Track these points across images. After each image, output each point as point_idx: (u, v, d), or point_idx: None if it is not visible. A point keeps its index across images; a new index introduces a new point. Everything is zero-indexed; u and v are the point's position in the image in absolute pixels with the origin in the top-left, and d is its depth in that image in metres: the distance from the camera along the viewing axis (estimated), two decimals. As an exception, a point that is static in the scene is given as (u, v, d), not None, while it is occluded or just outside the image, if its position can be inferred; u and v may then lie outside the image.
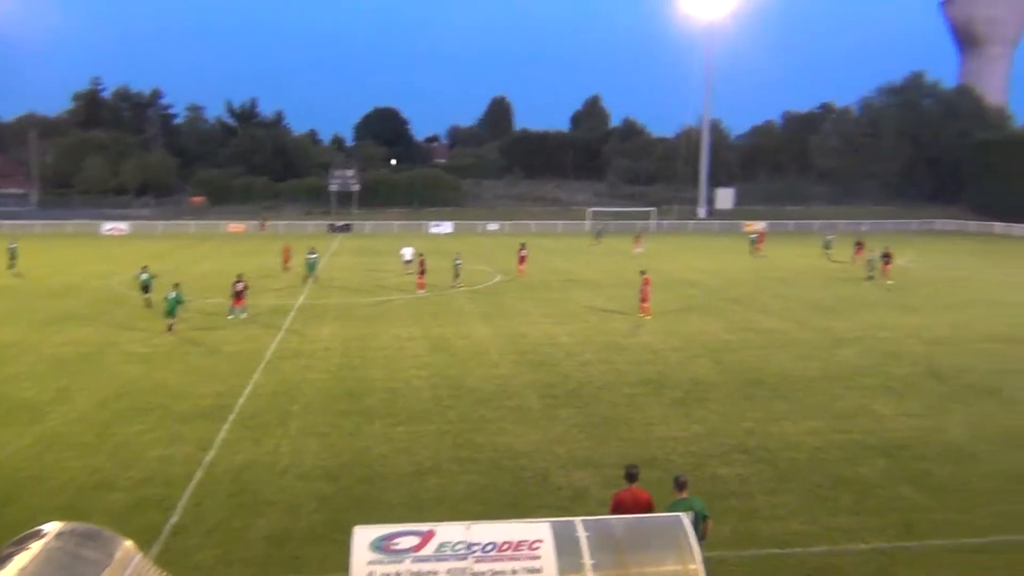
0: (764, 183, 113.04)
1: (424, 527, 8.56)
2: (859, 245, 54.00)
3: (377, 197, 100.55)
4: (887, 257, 44.26)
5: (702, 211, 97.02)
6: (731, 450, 16.99)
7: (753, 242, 60.09)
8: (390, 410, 19.75)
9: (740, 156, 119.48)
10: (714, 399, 20.78)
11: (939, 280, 44.95)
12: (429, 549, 8.29)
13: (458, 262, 42.47)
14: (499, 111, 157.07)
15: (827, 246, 56.54)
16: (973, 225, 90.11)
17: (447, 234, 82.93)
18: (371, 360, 25.07)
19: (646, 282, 32.72)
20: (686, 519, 9.12)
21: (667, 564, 8.55)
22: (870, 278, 43.83)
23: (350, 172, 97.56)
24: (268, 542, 12.86)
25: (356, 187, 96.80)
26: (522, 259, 46.96)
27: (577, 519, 8.90)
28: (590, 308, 34.98)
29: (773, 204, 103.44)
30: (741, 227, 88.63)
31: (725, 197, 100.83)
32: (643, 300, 32.53)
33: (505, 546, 8.33)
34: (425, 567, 8.17)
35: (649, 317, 32.03)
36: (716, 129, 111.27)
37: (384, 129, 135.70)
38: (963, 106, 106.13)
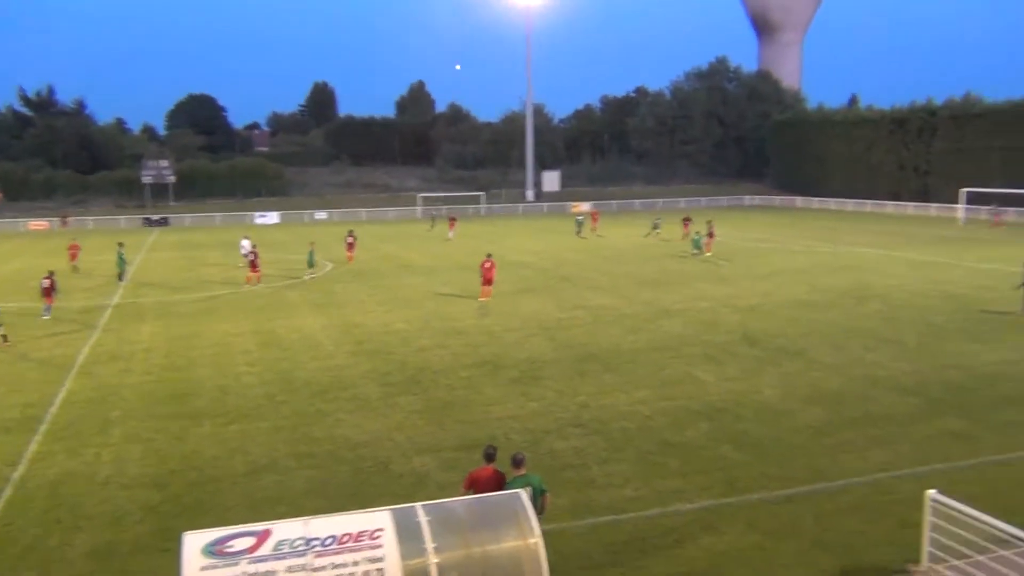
0: (587, 165, 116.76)
1: (260, 527, 8.30)
2: (686, 221, 57.13)
3: (196, 188, 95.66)
4: (710, 233, 47.22)
5: (530, 194, 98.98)
6: (566, 424, 17.53)
7: (579, 223, 61.73)
8: (220, 410, 18.95)
9: (564, 139, 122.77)
10: (549, 376, 21.33)
11: (750, 252, 48.13)
12: (266, 549, 8.05)
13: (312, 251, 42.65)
14: (322, 97, 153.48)
15: (656, 227, 58.82)
16: (777, 200, 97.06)
17: (273, 224, 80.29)
18: (197, 359, 23.93)
19: (491, 265, 33.06)
20: (524, 495, 9.33)
21: (508, 540, 8.74)
22: (696, 253, 46.36)
23: (164, 163, 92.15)
24: (91, 558, 12.05)
25: (172, 178, 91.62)
26: (350, 246, 46.26)
27: (418, 504, 8.91)
28: (425, 294, 34.96)
29: (597, 185, 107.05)
30: (568, 208, 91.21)
31: (551, 180, 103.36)
32: (485, 283, 32.86)
33: (345, 538, 8.23)
34: (263, 567, 7.94)
35: (486, 299, 32.45)
36: (540, 113, 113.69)
37: (200, 117, 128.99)
38: (763, 89, 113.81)
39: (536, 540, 8.69)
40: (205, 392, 20.45)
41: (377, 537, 8.30)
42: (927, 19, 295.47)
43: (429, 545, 8.32)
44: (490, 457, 11.02)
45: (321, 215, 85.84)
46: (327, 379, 21.46)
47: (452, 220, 63.46)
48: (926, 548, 11.11)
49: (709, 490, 14.07)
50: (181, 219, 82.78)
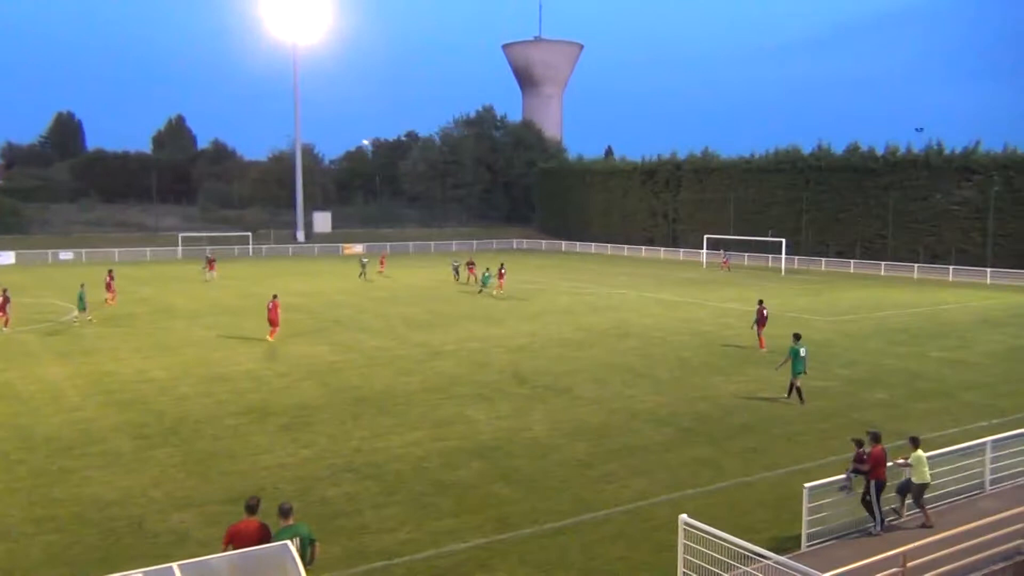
0: (360, 206, 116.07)
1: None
2: (471, 265, 57.59)
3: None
4: (501, 273, 49.44)
5: (300, 235, 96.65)
6: (339, 470, 17.08)
7: (363, 265, 60.21)
8: (-62, 475, 16.64)
9: (335, 180, 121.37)
10: (321, 421, 20.74)
11: (519, 293, 49.80)
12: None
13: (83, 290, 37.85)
14: (66, 128, 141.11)
15: (456, 271, 57.92)
16: (544, 243, 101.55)
17: (8, 265, 72.45)
18: (-91, 418, 20.92)
19: (275, 306, 32.53)
20: (291, 546, 8.98)
21: (276, 595, 8.32)
22: (481, 290, 47.52)
23: None
24: None
25: None
26: (108, 286, 42.84)
27: (175, 564, 8.27)
28: (186, 339, 32.90)
29: (369, 227, 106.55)
30: (340, 250, 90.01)
31: (322, 220, 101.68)
32: (272, 324, 32.39)
33: (91, 609, 7.45)
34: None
35: (273, 340, 31.95)
36: (309, 153, 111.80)
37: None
38: (527, 138, 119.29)
39: (306, 593, 8.33)
40: (-81, 455, 17.90)
41: (128, 605, 7.58)
42: (672, 78, 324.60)
43: (188, 609, 7.72)
44: (251, 509, 10.50)
45: (66, 255, 78.64)
46: (72, 434, 19.51)
47: (211, 261, 60.38)
48: (681, 570, 11.87)
49: (482, 528, 14.23)
50: None
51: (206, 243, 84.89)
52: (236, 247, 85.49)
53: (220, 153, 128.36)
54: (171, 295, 48.48)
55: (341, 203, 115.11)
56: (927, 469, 14.32)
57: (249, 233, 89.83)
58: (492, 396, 23.51)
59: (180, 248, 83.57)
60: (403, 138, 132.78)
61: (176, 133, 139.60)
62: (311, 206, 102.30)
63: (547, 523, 14.48)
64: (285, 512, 10.58)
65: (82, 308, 37.45)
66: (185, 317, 39.13)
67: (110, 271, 45.42)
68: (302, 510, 13.89)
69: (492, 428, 20.27)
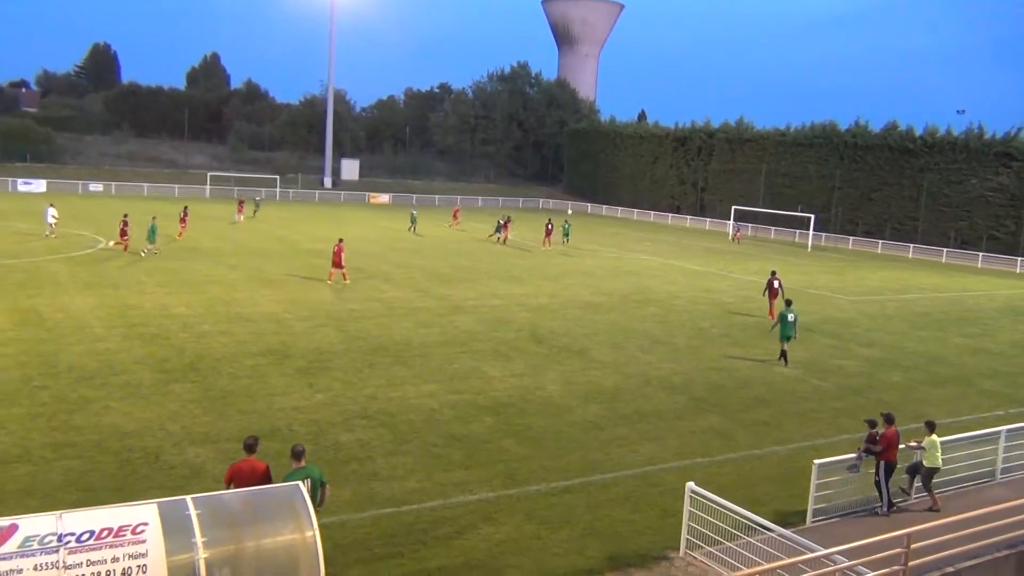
0: (389, 156, 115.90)
1: (4, 521, 7.54)
2: (506, 222, 55.73)
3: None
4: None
5: (327, 181, 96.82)
6: (353, 416, 17.31)
7: (414, 219, 59.04)
8: (-37, 395, 17.04)
9: (365, 128, 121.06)
10: (338, 367, 20.96)
11: (541, 253, 49.72)
12: (11, 546, 7.32)
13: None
14: (102, 60, 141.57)
15: (497, 228, 55.47)
16: (570, 205, 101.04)
17: (39, 193, 73.24)
18: (-62, 338, 21.39)
19: (339, 249, 33.74)
20: (302, 487, 9.13)
21: (284, 534, 8.50)
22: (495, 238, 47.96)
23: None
24: None
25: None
26: (182, 220, 46.76)
27: (188, 497, 8.46)
28: (210, 277, 33.26)
29: (397, 177, 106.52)
30: (366, 198, 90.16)
31: (350, 168, 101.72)
32: (336, 266, 33.70)
33: (105, 533, 7.65)
34: (6, 566, 7.21)
35: (339, 282, 33.69)
36: (341, 100, 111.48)
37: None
38: (561, 97, 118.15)
39: (313, 533, 8.51)
40: (-54, 374, 18.33)
41: (140, 532, 7.77)
42: (711, 46, 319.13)
43: (198, 540, 7.91)
44: (250, 448, 10.68)
45: (96, 187, 79.43)
46: (95, 364, 19.88)
47: (241, 203, 60.80)
48: (684, 536, 11.99)
49: (490, 482, 14.40)
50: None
51: (234, 183, 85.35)
52: (264, 189, 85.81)
53: (253, 94, 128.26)
54: (198, 233, 48.85)
55: (370, 152, 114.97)
56: (939, 454, 14.29)
57: (277, 176, 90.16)
58: (509, 353, 23.62)
59: (208, 187, 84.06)
60: (435, 90, 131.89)
61: (210, 71, 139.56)
62: (340, 153, 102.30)
63: (555, 481, 14.62)
64: (298, 454, 10.75)
65: (152, 240, 38.64)
66: (210, 256, 39.49)
67: (185, 207, 48.36)
68: (314, 453, 14.12)
69: (507, 385, 20.41)
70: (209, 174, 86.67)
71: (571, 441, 16.75)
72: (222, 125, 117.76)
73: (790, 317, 24.18)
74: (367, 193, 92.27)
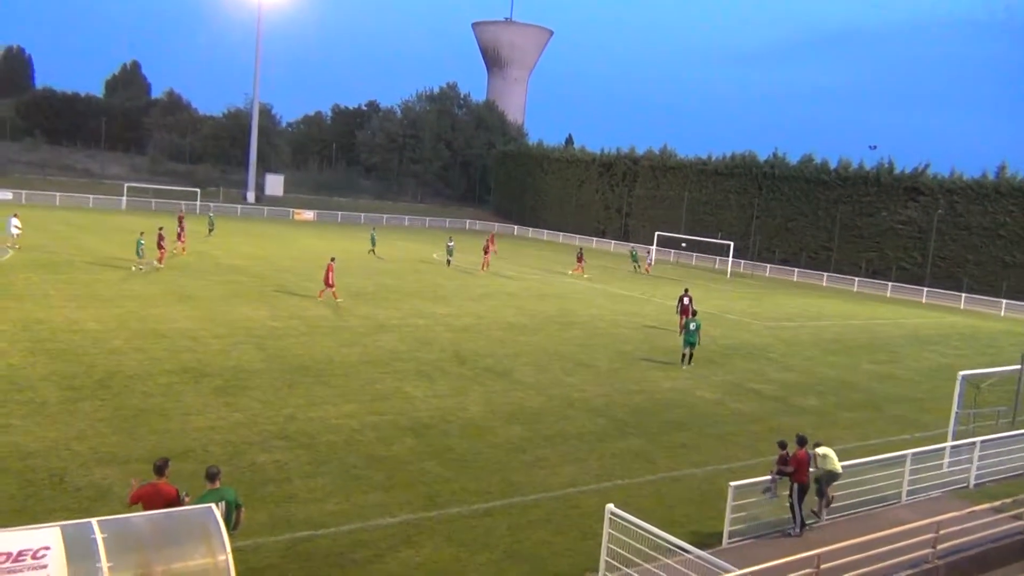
0: (314, 172, 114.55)
1: None
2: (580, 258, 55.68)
3: None
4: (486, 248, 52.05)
5: (250, 196, 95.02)
6: (271, 437, 16.92)
7: (373, 240, 56.58)
8: None
9: (291, 143, 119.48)
10: (256, 386, 20.49)
11: (468, 274, 49.71)
12: None
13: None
14: (15, 64, 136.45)
15: (450, 252, 53.21)
16: (497, 226, 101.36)
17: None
18: None
19: (330, 268, 34.38)
20: (215, 510, 8.88)
21: (195, 558, 8.23)
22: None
23: None
24: None
25: None
26: (179, 235, 45.89)
27: (94, 520, 8.12)
28: (125, 292, 32.18)
29: (323, 194, 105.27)
30: (290, 215, 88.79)
31: (275, 183, 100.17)
32: (327, 284, 34.23)
33: (2, 558, 7.27)
34: None
35: (329, 300, 34.08)
36: (266, 113, 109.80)
37: None
38: (490, 119, 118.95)
39: (226, 557, 8.26)
40: None
41: (41, 556, 7.41)
42: (637, 75, 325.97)
43: (104, 565, 7.58)
44: (159, 470, 10.35)
45: (5, 195, 76.15)
46: (-4, 380, 18.98)
47: (181, 220, 58.67)
48: (603, 558, 12.06)
49: (411, 504, 14.25)
50: None
51: (152, 195, 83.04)
52: (183, 203, 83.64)
53: (174, 104, 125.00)
54: (113, 246, 47.30)
55: (295, 167, 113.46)
56: (836, 460, 14.84)
57: (198, 189, 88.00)
58: (432, 374, 23.48)
59: (125, 198, 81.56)
60: (364, 107, 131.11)
61: (130, 79, 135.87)
62: (264, 167, 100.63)
63: (476, 503, 14.56)
64: (212, 475, 10.47)
65: (141, 255, 38.79)
66: (125, 269, 38.22)
67: (180, 218, 47.98)
68: (230, 475, 13.76)
69: (429, 406, 20.27)
70: (126, 185, 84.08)
71: (493, 463, 16.71)
72: (141, 135, 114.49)
73: (692, 326, 27.87)
74: (291, 209, 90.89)
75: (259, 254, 50.44)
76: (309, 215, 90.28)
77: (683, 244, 75.84)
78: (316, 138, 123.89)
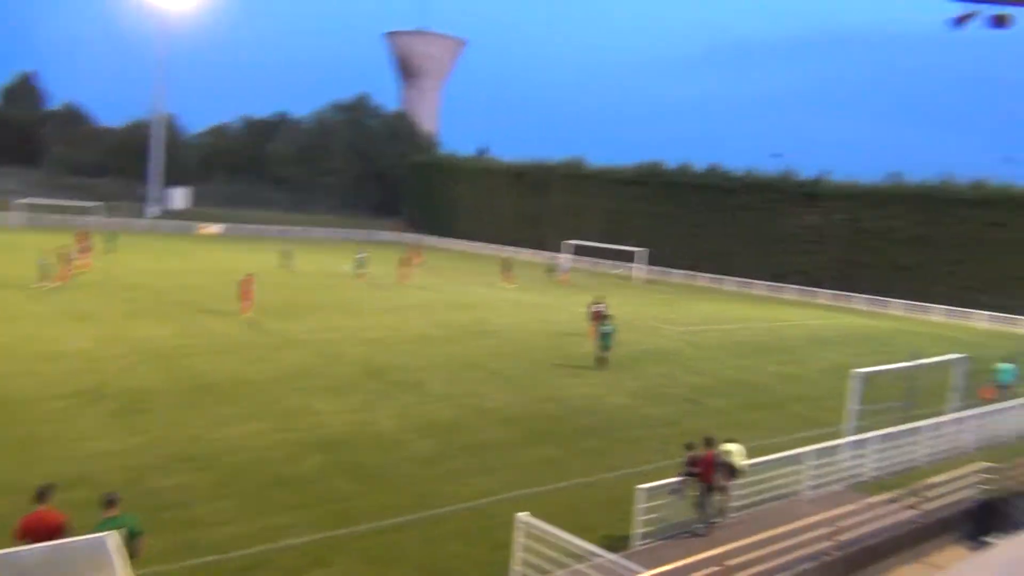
0: (222, 185, 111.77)
1: None
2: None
3: None
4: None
5: (155, 210, 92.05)
6: (173, 460, 16.38)
7: (287, 254, 55.03)
8: None
9: (197, 155, 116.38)
10: (158, 408, 19.83)
11: (371, 285, 49.26)
12: None
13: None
14: None
15: (360, 265, 52.44)
16: (411, 237, 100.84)
17: None
18: None
19: (248, 281, 33.39)
20: (111, 539, 8.56)
21: (85, 590, 7.90)
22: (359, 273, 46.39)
23: None
24: None
25: None
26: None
27: (-27, 557, 7.71)
28: (16, 313, 30.71)
29: (231, 207, 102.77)
30: (197, 229, 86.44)
31: (180, 196, 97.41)
32: (244, 299, 33.06)
33: None
34: None
35: (242, 316, 32.61)
36: (171, 125, 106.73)
37: None
38: (403, 130, 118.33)
39: (119, 588, 7.96)
40: None
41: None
42: (549, 84, 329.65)
43: (-16, 603, 7.21)
44: (41, 496, 9.93)
45: None
46: None
47: (85, 239, 56.03)
48: (513, 567, 12.09)
49: (321, 523, 14.00)
50: None
51: (49, 211, 79.60)
52: (84, 218, 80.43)
53: (73, 116, 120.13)
54: (2, 266, 45.11)
55: (202, 180, 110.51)
56: (741, 459, 15.29)
57: (99, 204, 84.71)
58: (342, 388, 23.16)
59: (18, 214, 77.91)
60: (274, 118, 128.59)
61: (25, 90, 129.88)
62: (169, 181, 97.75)
63: (388, 519, 14.40)
64: (110, 502, 10.09)
65: (43, 274, 37.57)
66: (17, 288, 36.48)
67: (81, 234, 46.96)
68: (129, 501, 13.20)
69: (339, 421, 19.97)
70: (20, 200, 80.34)
71: (405, 476, 16.58)
72: (37, 148, 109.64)
73: (605, 330, 29.32)
74: (197, 223, 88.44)
75: (163, 270, 48.90)
76: (216, 229, 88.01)
77: (618, 271, 76.49)
78: (224, 149, 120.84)
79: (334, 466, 16.82)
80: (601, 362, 28.96)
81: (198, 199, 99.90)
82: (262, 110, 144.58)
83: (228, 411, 20.00)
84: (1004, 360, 29.89)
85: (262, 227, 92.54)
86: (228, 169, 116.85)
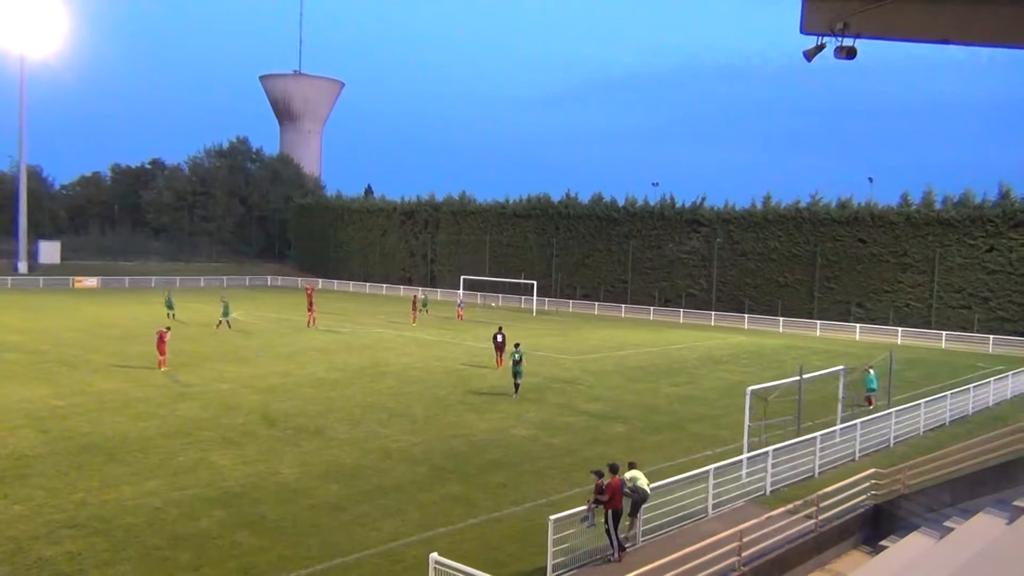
0: (96, 237, 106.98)
1: None
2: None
3: None
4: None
5: (22, 265, 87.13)
6: (60, 526, 15.39)
7: (169, 302, 52.76)
8: None
9: (67, 207, 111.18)
10: (39, 473, 18.63)
11: (271, 332, 48.00)
12: None
13: None
14: None
15: (225, 311, 48.62)
16: (300, 281, 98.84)
17: None
18: None
19: (163, 336, 33.83)
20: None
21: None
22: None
23: None
24: None
25: None
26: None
27: None
28: None
29: (107, 259, 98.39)
30: (70, 283, 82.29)
31: (50, 251, 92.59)
32: (161, 353, 33.41)
33: None
34: None
35: (165, 368, 32.87)
36: (36, 177, 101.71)
37: None
38: (285, 173, 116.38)
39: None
40: None
41: None
42: (430, 122, 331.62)
43: None
44: None
45: None
46: None
47: None
48: (431, 608, 11.87)
49: (224, 581, 13.40)
50: None
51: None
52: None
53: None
54: None
55: (74, 232, 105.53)
56: (646, 481, 15.56)
57: (-41, 262, 79.64)
58: (239, 440, 22.35)
59: None
60: (147, 165, 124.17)
61: None
62: (37, 234, 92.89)
63: (294, 570, 13.92)
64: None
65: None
66: None
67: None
68: (15, 573, 12.36)
69: (238, 474, 19.24)
70: None
71: (310, 526, 16.08)
72: None
73: (515, 357, 30.55)
74: (71, 277, 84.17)
75: (36, 328, 46.22)
76: (92, 282, 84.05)
77: (493, 304, 76.94)
78: (96, 200, 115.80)
79: (235, 520, 16.16)
80: (516, 387, 30.31)
81: (73, 252, 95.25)
82: (135, 158, 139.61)
83: (118, 471, 18.97)
84: (870, 368, 31.63)
85: (141, 278, 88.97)
86: (102, 220, 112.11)
